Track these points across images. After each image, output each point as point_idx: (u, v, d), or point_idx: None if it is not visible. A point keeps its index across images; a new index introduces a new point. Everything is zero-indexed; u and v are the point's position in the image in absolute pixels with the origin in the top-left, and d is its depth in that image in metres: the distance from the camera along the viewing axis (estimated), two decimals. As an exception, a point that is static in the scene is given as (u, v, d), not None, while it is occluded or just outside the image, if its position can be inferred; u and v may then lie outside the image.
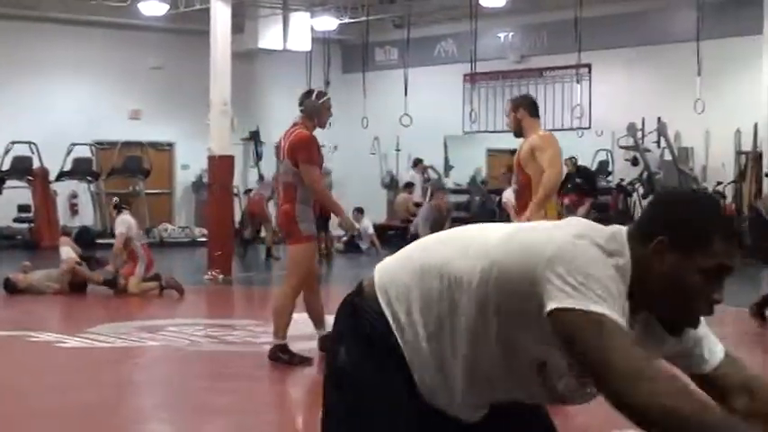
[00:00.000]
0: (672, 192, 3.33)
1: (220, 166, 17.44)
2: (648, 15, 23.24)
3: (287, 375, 9.47)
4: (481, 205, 24.90)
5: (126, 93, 26.03)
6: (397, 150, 27.36)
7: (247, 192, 25.90)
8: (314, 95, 9.64)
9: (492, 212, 23.45)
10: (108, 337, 11.02)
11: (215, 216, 17.77)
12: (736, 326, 12.15)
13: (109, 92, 25.84)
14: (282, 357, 9.45)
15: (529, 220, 8.89)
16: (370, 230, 24.05)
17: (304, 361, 9.48)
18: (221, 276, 16.86)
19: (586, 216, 22.40)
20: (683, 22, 21.80)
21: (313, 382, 9.20)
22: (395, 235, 25.78)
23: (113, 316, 12.90)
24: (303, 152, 9.31)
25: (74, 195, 25.70)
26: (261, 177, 26.10)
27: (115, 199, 16.58)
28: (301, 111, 9.61)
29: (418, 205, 26.29)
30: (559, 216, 9.16)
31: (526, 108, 9.44)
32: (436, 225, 19.87)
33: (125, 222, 15.00)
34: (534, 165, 9.14)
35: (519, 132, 9.40)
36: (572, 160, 22.96)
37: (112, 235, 22.36)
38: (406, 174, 27.08)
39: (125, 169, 25.71)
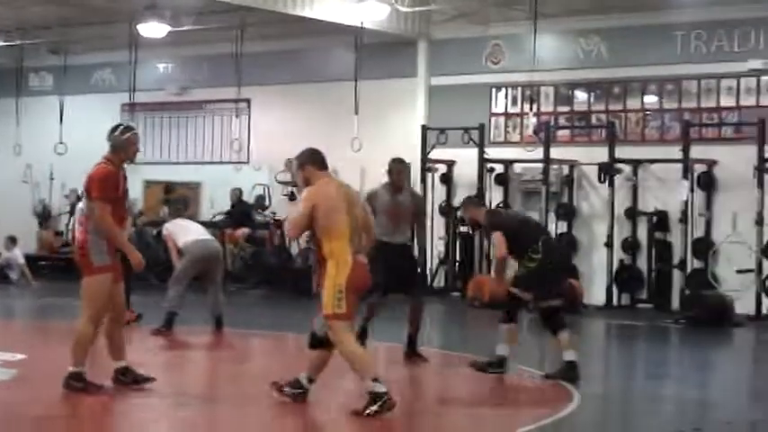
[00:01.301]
0: None
1: None
2: (308, 54, 23.58)
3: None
4: (138, 238, 24.46)
5: None
6: (51, 179, 26.60)
7: None
8: (118, 130, 9.69)
9: (146, 245, 23.10)
10: None
11: None
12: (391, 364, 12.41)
13: None
14: (76, 385, 9.46)
15: None
16: (21, 260, 23.28)
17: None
18: None
19: (245, 240, 22.60)
20: (342, 62, 22.25)
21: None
22: (47, 266, 25.08)
23: None
24: (95, 187, 9.48)
25: None
26: None
27: None
28: (110, 145, 9.64)
29: (58, 234, 25.80)
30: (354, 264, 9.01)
31: (312, 164, 9.22)
32: None
33: None
34: None
35: None
36: (236, 192, 23.07)
37: None
38: (61, 202, 26.37)
39: None
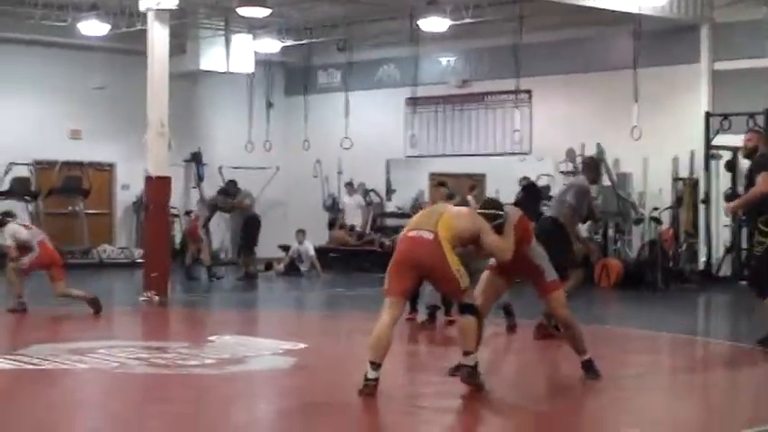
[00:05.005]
0: None
1: (157, 186, 17.38)
2: (587, 43, 23.42)
3: (209, 397, 9.44)
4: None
5: (66, 112, 25.89)
6: (339, 173, 27.37)
7: (188, 213, 25.87)
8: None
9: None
10: (37, 358, 10.94)
11: (151, 237, 17.69)
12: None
13: (49, 111, 25.68)
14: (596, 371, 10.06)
15: None
16: (311, 252, 24.02)
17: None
18: (157, 298, 16.78)
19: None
20: (622, 50, 22.01)
21: (237, 402, 9.19)
22: (337, 258, 25.80)
23: (47, 337, 12.85)
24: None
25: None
26: (203, 200, 26.07)
27: None
28: None
29: (353, 229, 26.32)
30: None
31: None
32: None
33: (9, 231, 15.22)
34: None
35: None
36: (524, 181, 23.08)
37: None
38: (346, 198, 27.05)
39: (64, 189, 25.57)
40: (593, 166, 13.85)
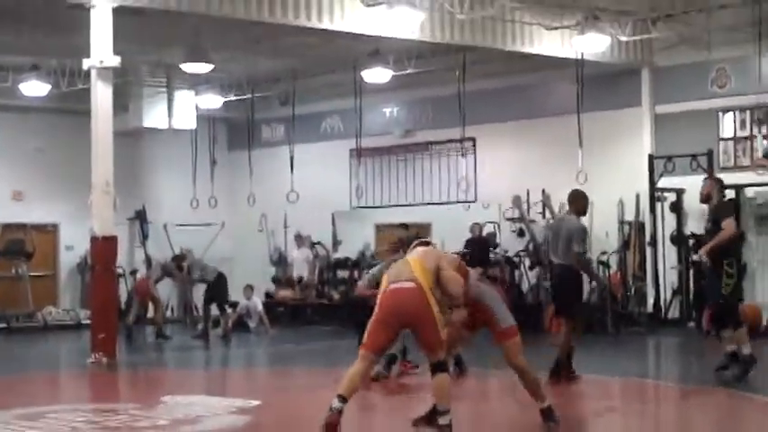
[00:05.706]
0: None
1: (103, 247, 17.14)
2: (530, 89, 23.54)
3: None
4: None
5: (7, 174, 25.66)
6: (286, 227, 27.23)
7: (133, 272, 25.58)
8: None
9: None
10: (-16, 426, 10.71)
11: (98, 298, 17.42)
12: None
13: (-11, 173, 25.48)
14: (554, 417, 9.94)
15: None
16: (260, 308, 23.79)
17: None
18: (105, 359, 16.53)
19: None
20: (564, 95, 22.10)
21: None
22: (284, 312, 25.59)
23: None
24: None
25: None
26: (148, 259, 25.79)
27: None
28: None
29: (299, 282, 26.10)
30: None
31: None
32: None
33: None
34: None
35: None
36: (477, 227, 23.03)
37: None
38: (294, 252, 26.80)
39: (7, 251, 25.28)
40: (579, 195, 13.87)
